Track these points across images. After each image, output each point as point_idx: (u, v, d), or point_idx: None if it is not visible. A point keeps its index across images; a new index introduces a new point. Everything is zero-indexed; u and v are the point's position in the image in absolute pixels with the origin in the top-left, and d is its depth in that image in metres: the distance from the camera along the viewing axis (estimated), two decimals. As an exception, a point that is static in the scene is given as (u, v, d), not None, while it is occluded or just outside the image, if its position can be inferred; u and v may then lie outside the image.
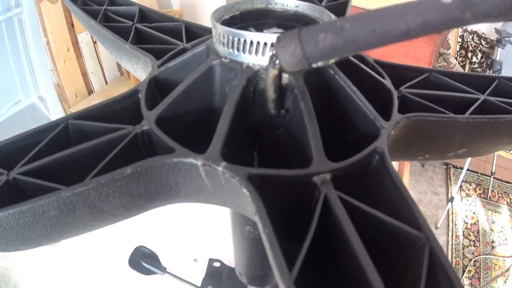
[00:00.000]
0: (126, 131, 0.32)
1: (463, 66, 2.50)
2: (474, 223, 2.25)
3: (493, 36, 2.28)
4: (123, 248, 1.11)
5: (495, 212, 2.33)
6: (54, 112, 2.29)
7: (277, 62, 0.27)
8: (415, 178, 2.47)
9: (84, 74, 2.39)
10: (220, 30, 0.31)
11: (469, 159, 2.18)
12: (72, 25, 2.21)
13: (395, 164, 1.60)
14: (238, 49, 0.30)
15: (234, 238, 0.53)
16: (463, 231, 2.19)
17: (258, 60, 0.30)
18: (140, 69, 0.47)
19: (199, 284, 1.02)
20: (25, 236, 0.31)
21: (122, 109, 0.37)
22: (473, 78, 0.48)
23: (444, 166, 2.60)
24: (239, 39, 0.29)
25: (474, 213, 2.31)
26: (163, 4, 2.76)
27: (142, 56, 0.44)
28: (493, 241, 2.16)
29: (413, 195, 2.30)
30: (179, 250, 1.12)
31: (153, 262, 1.05)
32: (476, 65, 2.49)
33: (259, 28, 0.36)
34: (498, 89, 0.47)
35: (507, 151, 2.33)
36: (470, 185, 2.50)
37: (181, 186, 0.30)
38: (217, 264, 1.05)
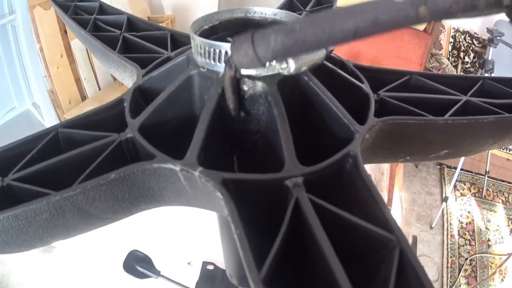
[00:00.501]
0: (111, 139, 0.34)
1: (456, 66, 2.51)
2: (469, 222, 2.26)
3: (485, 36, 2.29)
4: (118, 253, 1.11)
5: (490, 211, 2.34)
6: (48, 119, 2.29)
7: (233, 63, 0.28)
8: (409, 179, 2.48)
9: (77, 80, 2.39)
10: (197, 42, 0.32)
11: (462, 158, 2.19)
12: (65, 31, 2.21)
13: (387, 166, 1.61)
14: (214, 59, 0.31)
15: (222, 240, 0.54)
16: (459, 231, 2.20)
17: None
18: (127, 77, 0.49)
19: (193, 287, 1.03)
20: (19, 238, 0.32)
21: (109, 118, 0.39)
22: (457, 79, 0.49)
23: (438, 166, 2.61)
24: (214, 50, 0.30)
25: (469, 212, 2.32)
26: (155, 9, 2.77)
27: (128, 65, 0.46)
28: (489, 240, 2.17)
29: (407, 196, 2.31)
30: (173, 254, 1.12)
31: (147, 265, 1.06)
32: (469, 65, 2.50)
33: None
34: (483, 89, 0.47)
35: (501, 149, 2.34)
36: (465, 184, 2.51)
37: (163, 190, 0.31)
38: (210, 267, 1.06)
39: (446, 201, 2.24)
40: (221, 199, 0.25)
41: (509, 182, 2.51)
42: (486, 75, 2.01)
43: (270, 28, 0.24)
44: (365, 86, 0.40)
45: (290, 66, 0.28)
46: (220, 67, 0.31)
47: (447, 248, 2.10)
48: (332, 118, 0.33)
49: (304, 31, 0.23)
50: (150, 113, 0.34)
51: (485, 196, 2.43)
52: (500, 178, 2.50)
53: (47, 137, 0.36)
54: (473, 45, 2.48)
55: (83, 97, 2.48)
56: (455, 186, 2.45)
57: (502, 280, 1.96)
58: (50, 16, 2.10)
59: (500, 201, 2.42)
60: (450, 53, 2.50)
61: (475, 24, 2.49)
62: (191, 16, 2.75)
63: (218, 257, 1.08)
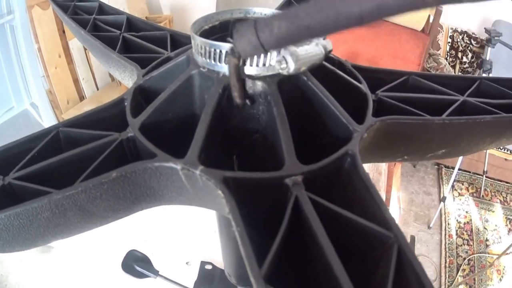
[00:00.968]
0: (112, 138, 0.34)
1: (454, 67, 2.51)
2: (467, 222, 2.26)
3: (483, 36, 2.29)
4: (116, 252, 1.12)
5: (488, 211, 2.34)
6: (46, 119, 2.28)
7: (236, 51, 0.28)
8: (406, 179, 2.48)
9: (76, 80, 2.39)
10: (198, 42, 0.32)
11: (460, 158, 2.19)
12: (64, 31, 2.20)
13: (384, 166, 1.61)
14: (214, 59, 0.31)
15: (221, 239, 0.54)
16: (456, 230, 2.20)
17: None
18: (127, 77, 0.49)
19: (191, 287, 1.03)
20: (20, 237, 0.33)
21: (110, 117, 0.39)
22: (454, 79, 0.49)
23: (436, 166, 2.61)
24: (215, 50, 0.31)
25: (467, 212, 2.33)
26: (153, 9, 2.77)
27: (128, 65, 0.46)
28: (487, 240, 2.17)
29: (405, 196, 2.32)
30: (171, 254, 1.13)
31: (145, 265, 1.07)
32: (467, 65, 2.51)
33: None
34: (480, 90, 0.47)
35: (499, 149, 2.35)
36: (463, 184, 2.51)
37: (164, 188, 0.32)
38: (209, 267, 1.06)
39: (444, 201, 2.25)
40: (222, 197, 0.25)
41: (507, 182, 2.51)
42: (484, 75, 2.02)
43: (273, 15, 0.24)
44: (363, 86, 0.41)
45: (289, 66, 0.29)
46: (221, 67, 0.32)
47: (445, 248, 2.10)
48: (331, 117, 0.33)
49: (308, 17, 0.22)
50: (151, 112, 0.34)
51: (483, 196, 2.43)
52: (498, 178, 2.50)
53: (48, 136, 0.37)
54: (471, 45, 2.48)
55: (81, 97, 2.47)
56: (453, 186, 2.45)
57: (500, 280, 1.97)
58: (48, 16, 2.10)
59: (498, 201, 2.42)
60: (448, 53, 2.50)
61: (473, 24, 2.50)
62: (189, 16, 2.75)
63: (216, 257, 1.08)
